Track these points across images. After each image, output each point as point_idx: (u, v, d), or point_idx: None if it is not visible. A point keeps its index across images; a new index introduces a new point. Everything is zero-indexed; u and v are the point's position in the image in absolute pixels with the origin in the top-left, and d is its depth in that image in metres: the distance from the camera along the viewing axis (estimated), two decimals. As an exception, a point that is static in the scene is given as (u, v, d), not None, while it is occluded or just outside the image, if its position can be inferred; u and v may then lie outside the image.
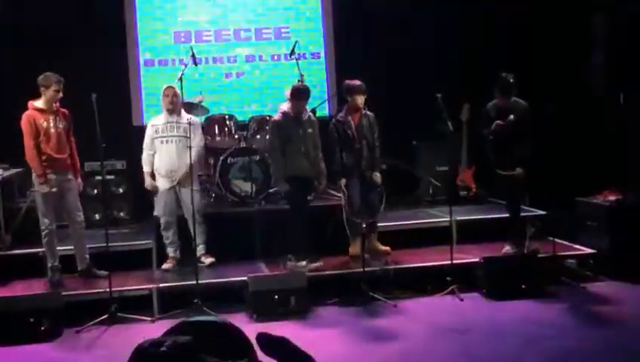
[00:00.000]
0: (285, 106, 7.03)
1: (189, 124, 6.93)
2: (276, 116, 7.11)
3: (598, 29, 8.86)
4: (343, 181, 7.00)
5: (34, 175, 6.48)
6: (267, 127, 8.22)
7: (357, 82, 7.12)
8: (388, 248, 7.31)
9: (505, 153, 6.93)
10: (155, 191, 7.09)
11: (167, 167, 6.98)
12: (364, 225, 6.80)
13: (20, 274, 6.87)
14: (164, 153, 6.99)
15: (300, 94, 6.91)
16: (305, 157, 6.95)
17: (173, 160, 6.97)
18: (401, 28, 9.17)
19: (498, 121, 6.90)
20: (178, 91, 6.92)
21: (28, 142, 6.38)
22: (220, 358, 2.86)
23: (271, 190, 7.87)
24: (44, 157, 6.42)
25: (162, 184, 7.03)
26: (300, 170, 6.93)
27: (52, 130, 6.44)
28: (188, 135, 6.78)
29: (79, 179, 6.74)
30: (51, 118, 6.45)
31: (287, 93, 7.10)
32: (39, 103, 6.45)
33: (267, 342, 3.11)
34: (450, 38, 9.15)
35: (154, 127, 7.05)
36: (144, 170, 7.09)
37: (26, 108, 6.45)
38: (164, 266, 7.08)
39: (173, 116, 7.02)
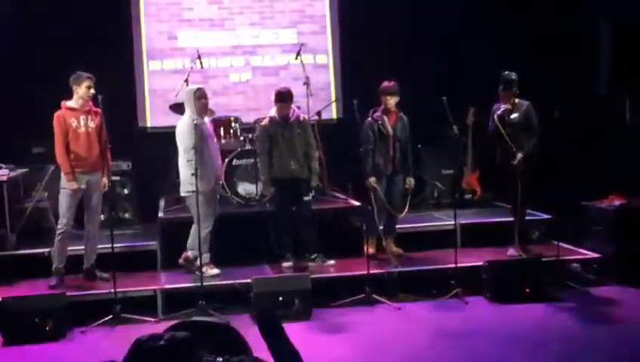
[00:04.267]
0: (272, 111, 7.10)
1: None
2: (264, 121, 7.15)
3: (604, 33, 8.84)
4: (373, 179, 7.03)
5: (62, 173, 6.50)
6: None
7: (390, 83, 7.15)
8: (400, 250, 7.34)
9: (511, 150, 6.94)
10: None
11: (213, 169, 6.84)
12: (382, 226, 6.80)
13: (25, 274, 6.89)
14: (208, 155, 6.76)
15: (282, 97, 6.99)
16: (292, 158, 6.98)
17: (217, 161, 6.94)
18: (405, 32, 9.17)
19: (498, 112, 6.97)
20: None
21: (57, 141, 6.44)
22: (217, 355, 2.89)
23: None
24: (72, 156, 6.46)
25: (209, 185, 6.71)
26: (286, 172, 6.99)
27: (81, 130, 6.48)
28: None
29: (105, 179, 6.66)
30: (82, 117, 6.49)
31: (272, 97, 7.13)
32: (71, 103, 6.51)
33: (267, 320, 3.05)
34: (455, 42, 9.14)
35: (198, 126, 6.57)
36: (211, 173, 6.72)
37: (56, 108, 6.49)
38: (213, 272, 6.77)
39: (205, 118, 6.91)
